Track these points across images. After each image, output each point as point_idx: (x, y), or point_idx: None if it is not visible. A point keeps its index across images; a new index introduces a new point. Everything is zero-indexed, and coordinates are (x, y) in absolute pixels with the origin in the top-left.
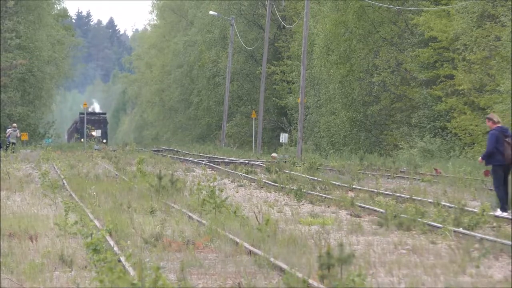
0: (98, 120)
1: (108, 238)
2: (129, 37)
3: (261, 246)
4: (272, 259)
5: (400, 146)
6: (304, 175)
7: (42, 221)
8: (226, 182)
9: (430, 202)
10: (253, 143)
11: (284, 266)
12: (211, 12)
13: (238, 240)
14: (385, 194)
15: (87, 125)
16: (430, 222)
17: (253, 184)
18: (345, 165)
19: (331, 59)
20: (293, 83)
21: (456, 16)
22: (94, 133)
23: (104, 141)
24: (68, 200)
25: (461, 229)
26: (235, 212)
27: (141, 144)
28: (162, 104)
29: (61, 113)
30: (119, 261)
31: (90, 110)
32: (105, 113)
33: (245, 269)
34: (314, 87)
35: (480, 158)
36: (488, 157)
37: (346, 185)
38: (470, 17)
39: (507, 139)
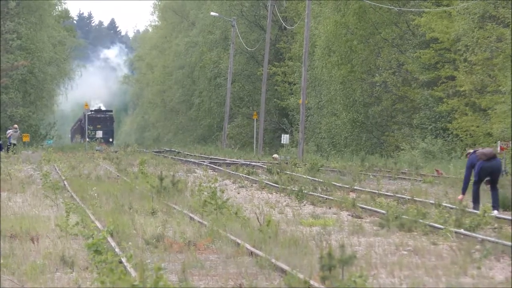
0: (104, 118)
1: (109, 239)
2: (131, 38)
3: (262, 247)
4: (273, 260)
5: (402, 147)
6: (305, 176)
7: (44, 222)
8: (228, 183)
9: (432, 203)
10: (255, 144)
11: (285, 267)
12: (212, 13)
13: (239, 241)
14: (386, 195)
15: (93, 123)
16: (431, 223)
17: (254, 185)
18: (347, 166)
19: (332, 60)
20: (295, 84)
21: (458, 17)
22: (99, 133)
23: (110, 140)
24: (69, 201)
25: (462, 230)
26: (236, 213)
27: (142, 145)
28: (164, 105)
29: (63, 113)
30: (120, 262)
31: (96, 107)
32: (111, 111)
33: (246, 270)
34: (315, 88)
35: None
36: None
37: (347, 186)
38: (472, 18)
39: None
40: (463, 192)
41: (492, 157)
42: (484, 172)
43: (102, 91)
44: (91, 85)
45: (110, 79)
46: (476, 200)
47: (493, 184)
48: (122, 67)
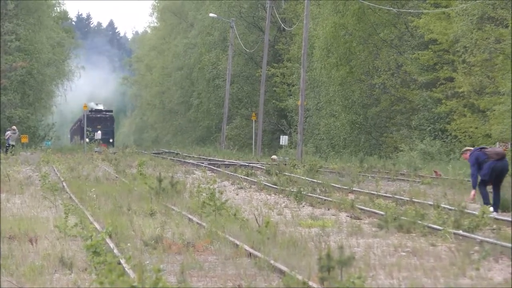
0: (104, 118)
1: (108, 240)
2: (129, 39)
3: (261, 249)
4: (272, 262)
5: (400, 149)
6: (304, 177)
7: (42, 224)
8: (226, 185)
9: (430, 205)
10: (253, 145)
11: (284, 268)
12: (211, 14)
13: (238, 243)
14: (385, 196)
15: (93, 123)
16: (430, 225)
17: (253, 186)
18: (345, 168)
19: (331, 61)
20: (293, 86)
21: (456, 19)
22: (98, 134)
23: (111, 140)
24: (68, 203)
25: (461, 232)
26: (235, 215)
27: (141, 147)
28: (162, 106)
29: (62, 114)
30: (119, 263)
31: (95, 107)
32: (111, 111)
33: (245, 271)
34: (314, 89)
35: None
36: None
37: (346, 187)
38: (470, 20)
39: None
40: (474, 187)
41: (503, 156)
42: (495, 172)
43: (101, 92)
44: (90, 86)
45: (109, 79)
46: (486, 201)
47: (498, 184)
48: (119, 58)
